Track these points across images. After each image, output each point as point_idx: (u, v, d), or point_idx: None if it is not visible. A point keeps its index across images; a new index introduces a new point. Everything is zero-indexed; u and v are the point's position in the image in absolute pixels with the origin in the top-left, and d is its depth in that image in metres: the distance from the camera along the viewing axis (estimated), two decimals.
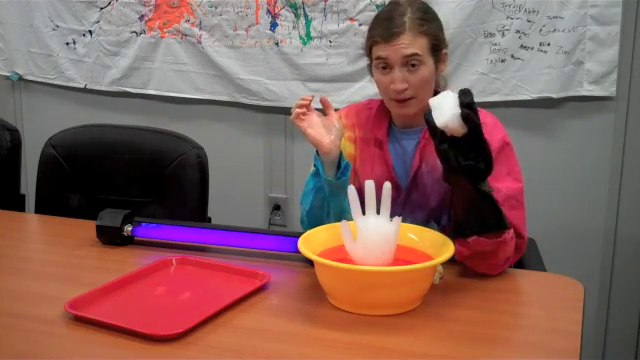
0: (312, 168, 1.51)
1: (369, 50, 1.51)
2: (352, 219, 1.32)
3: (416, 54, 1.45)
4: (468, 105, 1.21)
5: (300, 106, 1.45)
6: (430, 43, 1.47)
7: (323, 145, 1.44)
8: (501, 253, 1.35)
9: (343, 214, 1.46)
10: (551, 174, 2.34)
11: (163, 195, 1.92)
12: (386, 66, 1.47)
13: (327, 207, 1.50)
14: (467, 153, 1.25)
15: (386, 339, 1.14)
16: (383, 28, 1.47)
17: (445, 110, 1.23)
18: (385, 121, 1.58)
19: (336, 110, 1.68)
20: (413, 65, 1.45)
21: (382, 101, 1.58)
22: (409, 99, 1.48)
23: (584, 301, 1.27)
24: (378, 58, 1.48)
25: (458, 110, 1.21)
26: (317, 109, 1.48)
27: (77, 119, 2.29)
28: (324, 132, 1.45)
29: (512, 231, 1.37)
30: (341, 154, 1.47)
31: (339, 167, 1.47)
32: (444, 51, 1.52)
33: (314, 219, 1.51)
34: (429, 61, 1.47)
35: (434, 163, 1.50)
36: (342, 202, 1.48)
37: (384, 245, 1.27)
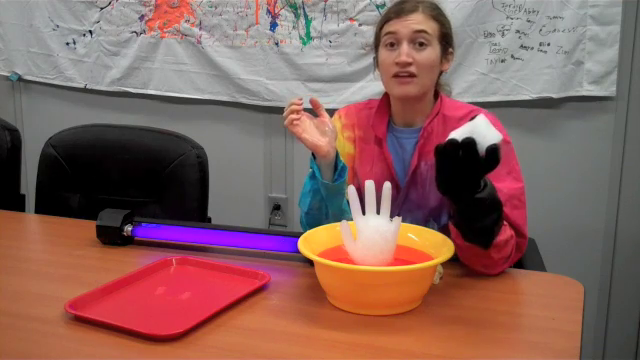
0: (309, 169, 1.50)
1: (380, 30, 1.53)
2: (352, 219, 1.32)
3: (425, 31, 1.47)
4: (466, 145, 1.18)
5: (292, 111, 1.43)
6: (440, 30, 1.50)
7: (321, 148, 1.44)
8: (495, 254, 1.35)
9: (342, 214, 1.46)
10: (551, 174, 2.34)
11: (163, 195, 1.92)
12: (394, 42, 1.49)
13: (325, 209, 1.50)
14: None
15: (386, 339, 1.13)
16: (396, 6, 1.51)
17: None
18: (385, 119, 1.57)
19: (335, 110, 1.69)
20: (421, 44, 1.47)
21: (382, 100, 1.58)
22: (410, 77, 1.48)
23: (584, 301, 1.27)
24: (387, 34, 1.49)
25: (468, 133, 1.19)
26: (307, 109, 1.46)
27: (77, 119, 2.29)
28: (319, 135, 1.44)
29: (511, 232, 1.37)
30: (337, 155, 1.47)
31: (335, 168, 1.47)
32: (450, 49, 1.53)
33: (313, 221, 1.50)
34: (436, 46, 1.49)
35: (433, 162, 1.50)
36: (340, 203, 1.47)
37: (384, 245, 1.27)
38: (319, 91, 2.48)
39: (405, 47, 1.47)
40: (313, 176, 1.48)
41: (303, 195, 1.54)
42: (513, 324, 1.23)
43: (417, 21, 1.48)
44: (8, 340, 1.15)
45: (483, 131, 1.19)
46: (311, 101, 1.47)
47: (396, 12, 1.50)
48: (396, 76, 1.48)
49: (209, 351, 1.10)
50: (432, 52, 1.48)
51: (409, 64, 1.46)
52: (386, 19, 1.52)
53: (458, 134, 1.19)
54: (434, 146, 1.22)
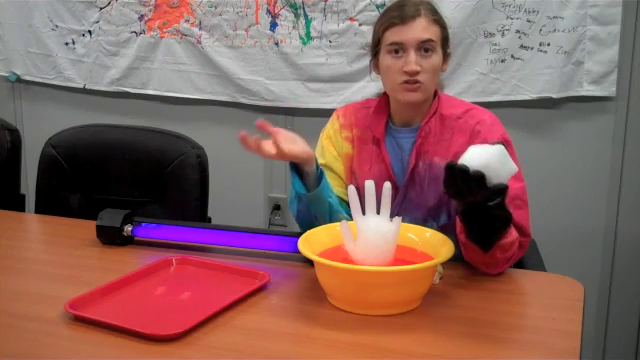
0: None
1: (381, 34, 1.50)
2: (343, 217, 1.32)
3: (431, 40, 1.47)
4: (475, 179, 1.17)
5: (260, 146, 1.38)
6: (442, 35, 1.50)
7: (309, 153, 1.42)
8: (500, 254, 1.35)
9: (333, 213, 1.46)
10: (551, 174, 2.34)
11: (163, 195, 1.92)
12: (399, 49, 1.47)
13: (313, 212, 1.50)
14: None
15: (386, 339, 1.14)
16: (399, 11, 1.48)
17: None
18: (383, 119, 1.57)
19: (334, 110, 1.68)
20: (427, 50, 1.47)
21: (380, 99, 1.58)
22: (418, 84, 1.47)
23: (584, 301, 1.27)
24: (392, 43, 1.48)
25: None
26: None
27: (76, 119, 2.29)
28: (295, 145, 1.40)
29: (517, 234, 1.37)
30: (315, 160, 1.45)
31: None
32: (448, 50, 1.53)
33: (304, 222, 1.50)
34: (439, 51, 1.49)
35: (431, 161, 1.50)
36: (324, 208, 1.46)
37: (384, 245, 1.27)
38: (319, 91, 2.48)
39: (413, 55, 1.46)
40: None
41: (291, 200, 1.53)
42: (513, 324, 1.23)
43: (422, 28, 1.46)
44: (8, 340, 1.15)
45: (497, 166, 1.19)
46: (258, 126, 1.39)
47: (400, 18, 1.47)
48: (403, 83, 1.48)
49: (209, 351, 1.10)
50: (437, 58, 1.49)
51: (418, 71, 1.46)
52: (389, 24, 1.48)
53: (472, 160, 1.19)
54: (446, 163, 1.21)
